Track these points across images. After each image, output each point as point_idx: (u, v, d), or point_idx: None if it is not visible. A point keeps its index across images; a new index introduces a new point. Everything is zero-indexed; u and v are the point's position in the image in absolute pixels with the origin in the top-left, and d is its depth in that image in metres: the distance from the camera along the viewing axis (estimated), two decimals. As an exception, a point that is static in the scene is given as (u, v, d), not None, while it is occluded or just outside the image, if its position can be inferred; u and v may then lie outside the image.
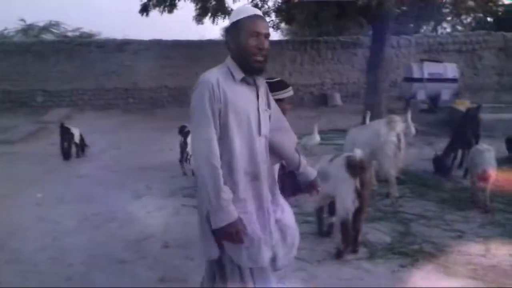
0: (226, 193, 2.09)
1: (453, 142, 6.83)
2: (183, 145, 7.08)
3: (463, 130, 6.90)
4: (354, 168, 3.76)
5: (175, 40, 17.84)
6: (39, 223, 5.12)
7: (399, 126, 5.53)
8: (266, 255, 2.23)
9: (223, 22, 13.48)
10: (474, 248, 4.07)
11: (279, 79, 3.09)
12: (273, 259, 2.32)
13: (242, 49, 2.15)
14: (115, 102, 17.51)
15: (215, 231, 2.13)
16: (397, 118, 5.85)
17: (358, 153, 3.81)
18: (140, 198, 6.01)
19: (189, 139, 7.02)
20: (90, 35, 24.71)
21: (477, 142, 6.84)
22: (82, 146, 9.03)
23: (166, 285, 3.54)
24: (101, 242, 4.47)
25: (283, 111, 2.62)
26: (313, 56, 18.14)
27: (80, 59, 17.22)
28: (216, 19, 13.28)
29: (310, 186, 2.61)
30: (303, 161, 2.56)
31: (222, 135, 2.15)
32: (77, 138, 8.85)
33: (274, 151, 2.41)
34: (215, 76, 2.16)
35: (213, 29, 48.14)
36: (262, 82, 2.34)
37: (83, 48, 17.48)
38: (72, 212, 5.43)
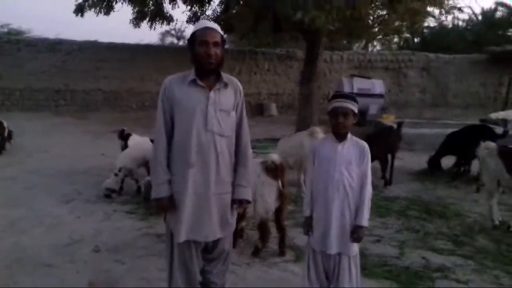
0: (162, 173, 2.58)
1: None
2: (125, 149, 7.00)
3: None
4: (275, 171, 4.09)
5: (111, 43, 17.47)
6: (-41, 227, 4.87)
7: (320, 136, 5.95)
8: (182, 233, 2.57)
9: (161, 28, 13.34)
10: (390, 251, 4.42)
11: None
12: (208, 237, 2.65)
13: (195, 56, 2.55)
14: (46, 103, 16.82)
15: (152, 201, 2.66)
16: (318, 129, 6.51)
17: (275, 158, 4.18)
18: (69, 202, 5.88)
19: (129, 142, 6.97)
20: (19, 32, 23.49)
21: (393, 157, 7.33)
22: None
23: (95, 289, 3.52)
24: (27, 246, 4.33)
25: None
26: (251, 66, 18.50)
27: (7, 58, 16.40)
28: (154, 24, 13.06)
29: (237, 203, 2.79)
30: (242, 179, 2.76)
31: (172, 128, 2.59)
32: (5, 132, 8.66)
33: None
34: (170, 79, 2.63)
35: (152, 34, 47.22)
36: (235, 85, 2.69)
37: (11, 46, 16.63)
38: (-4, 216, 5.22)
